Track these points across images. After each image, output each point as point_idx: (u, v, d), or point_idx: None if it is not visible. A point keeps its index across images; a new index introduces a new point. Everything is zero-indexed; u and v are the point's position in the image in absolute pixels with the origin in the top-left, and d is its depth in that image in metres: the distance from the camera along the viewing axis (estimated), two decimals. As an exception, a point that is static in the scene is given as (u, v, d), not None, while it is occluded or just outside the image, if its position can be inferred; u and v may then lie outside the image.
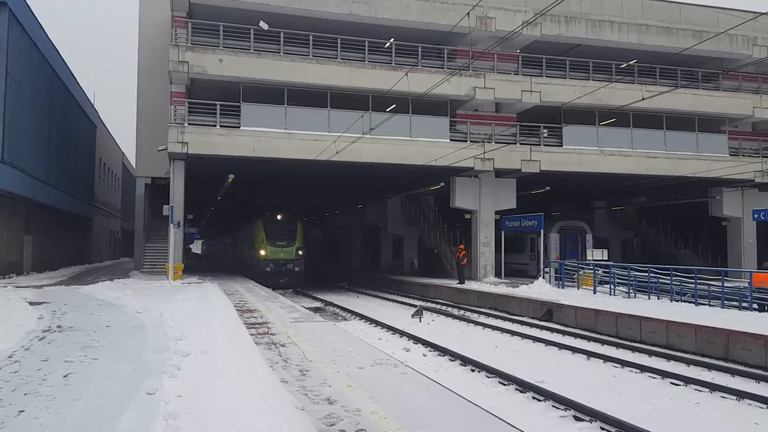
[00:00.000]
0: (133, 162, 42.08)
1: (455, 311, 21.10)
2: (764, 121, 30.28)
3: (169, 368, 7.13)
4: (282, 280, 29.18)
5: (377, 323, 17.54)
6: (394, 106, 24.92)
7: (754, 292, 16.24)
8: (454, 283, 25.41)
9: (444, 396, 6.79)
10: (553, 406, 8.67)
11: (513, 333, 15.69)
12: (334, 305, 23.35)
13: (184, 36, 23.58)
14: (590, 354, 12.61)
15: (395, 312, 21.33)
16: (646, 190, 33.76)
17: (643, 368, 11.15)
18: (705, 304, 16.92)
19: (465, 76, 25.43)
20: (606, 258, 25.47)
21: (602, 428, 7.66)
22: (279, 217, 30.84)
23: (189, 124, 23.31)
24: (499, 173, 27.39)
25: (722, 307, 16.25)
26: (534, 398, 9.19)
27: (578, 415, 8.17)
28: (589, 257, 25.49)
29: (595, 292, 20.85)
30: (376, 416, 5.83)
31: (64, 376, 7.17)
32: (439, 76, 23.76)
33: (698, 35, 27.42)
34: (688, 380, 10.24)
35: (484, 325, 17.23)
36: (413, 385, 7.24)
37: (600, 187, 34.29)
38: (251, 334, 10.62)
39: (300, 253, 30.35)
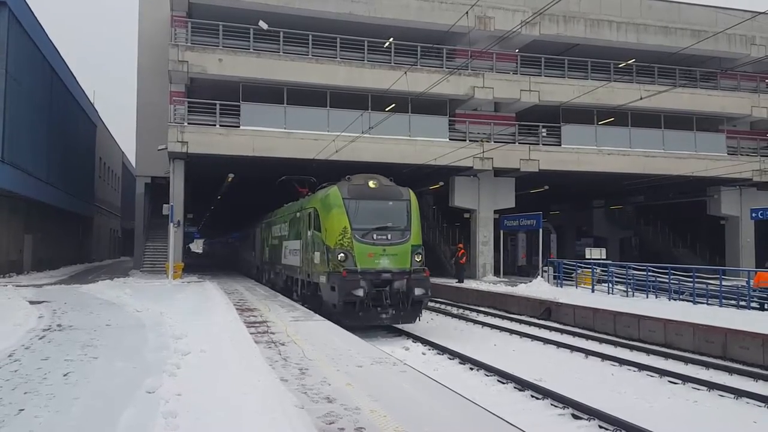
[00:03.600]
0: (133, 161, 42.13)
1: (454, 310, 21.13)
2: (762, 121, 30.32)
3: (169, 367, 7.16)
4: (385, 314, 14.03)
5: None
6: (393, 105, 24.95)
7: (755, 291, 16.27)
8: (453, 282, 25.44)
9: (443, 394, 6.82)
10: (552, 405, 8.70)
11: (511, 332, 15.72)
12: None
13: (184, 35, 23.61)
14: (588, 352, 12.64)
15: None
16: (645, 189, 33.82)
17: (642, 367, 11.19)
18: (703, 303, 16.96)
19: (464, 76, 25.46)
20: (604, 257, 25.53)
21: (600, 426, 7.70)
22: (372, 184, 15.20)
23: (189, 123, 23.35)
24: (498, 172, 27.44)
25: (720, 306, 16.29)
26: (532, 396, 9.22)
27: (576, 413, 8.21)
28: (587, 255, 25.53)
29: (593, 291, 20.90)
30: (376, 414, 5.86)
31: (64, 375, 7.20)
32: (438, 75, 23.79)
33: (697, 35, 27.45)
34: (686, 379, 10.27)
35: (483, 324, 17.26)
36: (412, 383, 7.27)
37: (598, 186, 34.35)
38: (251, 333, 10.64)
39: (420, 257, 14.76)
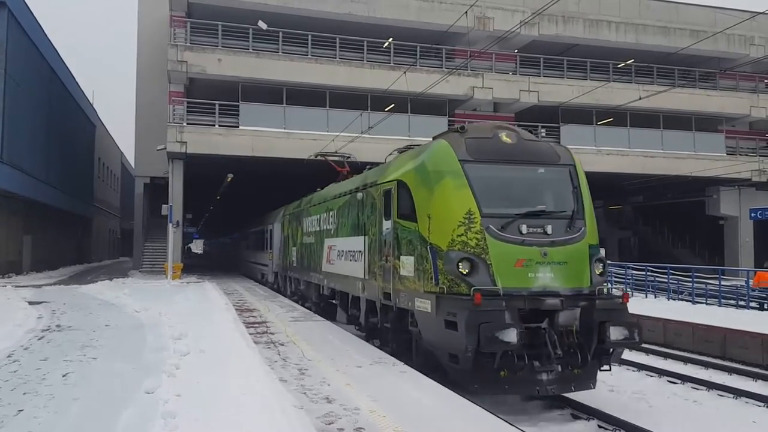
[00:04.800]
0: (132, 161, 42.12)
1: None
2: (761, 121, 30.36)
3: (168, 367, 7.15)
4: (546, 374, 7.54)
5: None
6: (392, 105, 24.96)
7: (755, 291, 16.28)
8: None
9: (443, 395, 6.82)
10: (551, 405, 8.69)
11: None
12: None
13: (183, 35, 23.63)
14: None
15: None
16: (644, 189, 33.83)
17: (641, 366, 11.19)
18: (702, 303, 16.97)
19: (463, 76, 25.46)
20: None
21: (599, 426, 7.69)
22: (506, 137, 8.85)
23: (188, 123, 23.36)
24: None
25: (719, 306, 16.30)
26: (531, 396, 9.21)
27: (575, 413, 8.20)
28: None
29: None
30: (375, 415, 5.86)
31: (63, 376, 7.19)
32: (438, 75, 23.79)
33: (695, 35, 27.47)
34: (685, 378, 10.27)
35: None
36: (412, 383, 7.26)
37: (597, 186, 34.28)
38: (250, 333, 10.64)
39: (602, 268, 8.78)
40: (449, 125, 26.42)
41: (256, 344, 9.51)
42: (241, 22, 23.77)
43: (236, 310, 14.36)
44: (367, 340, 10.75)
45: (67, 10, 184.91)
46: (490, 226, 7.81)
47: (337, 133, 22.80)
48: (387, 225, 9.66)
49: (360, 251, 11.15)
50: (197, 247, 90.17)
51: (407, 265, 8.82)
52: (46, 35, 30.76)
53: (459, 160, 8.28)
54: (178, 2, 23.67)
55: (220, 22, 23.72)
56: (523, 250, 7.79)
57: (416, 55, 25.74)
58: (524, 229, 7.87)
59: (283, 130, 23.90)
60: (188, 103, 23.80)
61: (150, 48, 30.87)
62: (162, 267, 25.13)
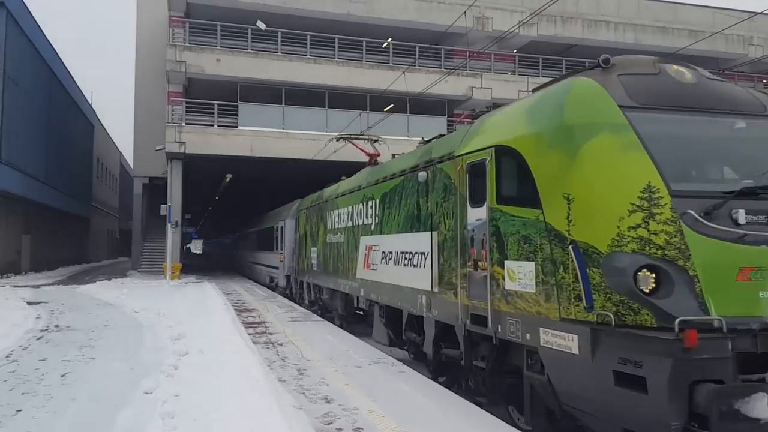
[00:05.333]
0: (130, 162, 42.11)
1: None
2: (760, 121, 30.36)
3: (167, 367, 7.14)
4: None
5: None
6: (391, 105, 24.97)
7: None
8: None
9: (442, 395, 6.81)
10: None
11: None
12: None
13: (182, 36, 23.63)
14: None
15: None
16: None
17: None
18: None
19: (462, 76, 25.47)
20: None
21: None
22: (688, 73, 5.93)
23: (186, 123, 23.36)
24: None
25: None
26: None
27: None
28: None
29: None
30: (374, 415, 5.86)
31: (62, 376, 7.18)
32: (437, 75, 23.78)
33: (694, 35, 27.49)
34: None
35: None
36: (411, 383, 7.26)
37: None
38: (249, 334, 10.64)
39: None
40: (448, 125, 26.46)
41: (255, 344, 9.51)
42: (240, 22, 23.77)
43: (235, 310, 14.35)
44: (434, 379, 7.75)
45: (65, 11, 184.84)
46: (689, 212, 4.74)
47: (336, 133, 22.79)
48: (477, 214, 6.58)
49: (423, 253, 8.08)
50: (197, 247, 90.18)
51: (521, 274, 5.72)
52: (44, 35, 30.74)
53: (620, 107, 5.25)
54: (176, 2, 23.67)
55: (218, 22, 23.73)
56: (745, 251, 4.73)
57: (415, 55, 25.74)
58: (742, 216, 4.80)
59: (281, 130, 23.90)
60: (187, 103, 23.81)
61: (149, 48, 30.89)
62: (161, 267, 25.13)
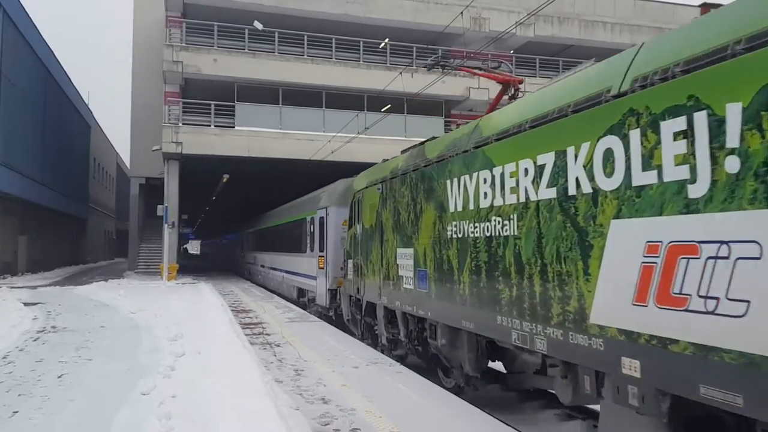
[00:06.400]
0: (127, 162, 42.02)
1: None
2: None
3: (164, 369, 7.13)
4: None
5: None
6: (389, 106, 24.98)
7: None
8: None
9: (439, 395, 6.82)
10: (547, 404, 8.71)
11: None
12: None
13: (179, 36, 23.61)
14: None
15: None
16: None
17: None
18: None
19: (459, 77, 25.47)
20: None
21: (595, 426, 7.70)
22: None
23: (183, 123, 23.33)
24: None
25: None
26: (530, 396, 9.22)
27: (572, 413, 8.22)
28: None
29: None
30: (371, 415, 5.86)
31: (59, 377, 7.17)
32: (434, 76, 23.78)
33: (691, 35, 27.56)
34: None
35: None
36: (408, 384, 7.26)
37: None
38: (246, 335, 10.63)
39: None
40: (446, 126, 26.50)
41: (252, 345, 9.50)
42: (237, 23, 23.76)
43: (232, 311, 14.34)
44: None
45: (62, 11, 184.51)
46: None
47: (334, 134, 22.81)
48: None
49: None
50: (194, 247, 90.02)
51: None
52: (41, 36, 30.67)
53: None
54: (173, 2, 23.65)
55: (215, 23, 23.71)
56: None
57: (413, 55, 25.76)
58: None
59: (279, 131, 23.88)
60: (184, 103, 23.78)
61: (145, 48, 30.86)
62: (157, 268, 25.09)
